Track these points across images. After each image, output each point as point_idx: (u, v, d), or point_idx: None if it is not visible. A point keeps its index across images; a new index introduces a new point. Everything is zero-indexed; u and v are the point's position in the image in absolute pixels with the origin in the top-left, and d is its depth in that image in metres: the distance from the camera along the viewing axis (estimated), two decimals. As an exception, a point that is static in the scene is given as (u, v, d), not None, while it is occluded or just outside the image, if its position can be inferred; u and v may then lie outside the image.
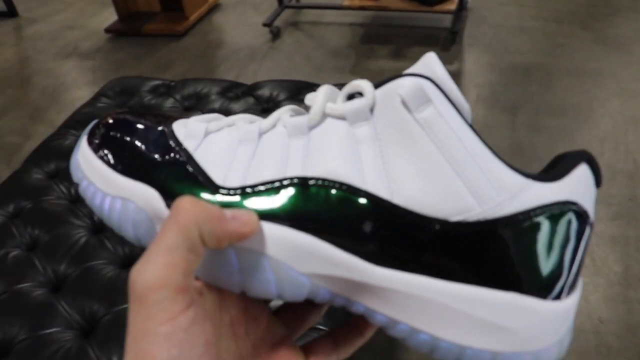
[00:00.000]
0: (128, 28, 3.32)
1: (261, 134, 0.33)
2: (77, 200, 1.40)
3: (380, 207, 0.28)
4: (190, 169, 0.31)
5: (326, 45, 2.94)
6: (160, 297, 0.24)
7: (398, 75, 0.30)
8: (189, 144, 0.32)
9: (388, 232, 0.28)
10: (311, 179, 0.29)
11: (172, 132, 0.33)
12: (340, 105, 0.31)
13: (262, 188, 0.30)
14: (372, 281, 0.29)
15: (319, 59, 2.82)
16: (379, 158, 0.29)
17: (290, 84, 1.75)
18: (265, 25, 3.06)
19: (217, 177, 0.31)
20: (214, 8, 3.51)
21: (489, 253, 0.28)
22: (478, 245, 0.28)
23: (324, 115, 0.32)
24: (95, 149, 0.32)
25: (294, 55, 2.90)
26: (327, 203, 0.29)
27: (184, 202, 0.26)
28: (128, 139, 0.32)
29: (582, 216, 0.30)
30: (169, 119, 0.34)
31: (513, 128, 2.23)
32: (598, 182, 0.31)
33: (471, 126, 0.29)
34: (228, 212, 0.28)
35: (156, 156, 0.31)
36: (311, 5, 3.24)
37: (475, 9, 3.11)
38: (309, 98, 0.33)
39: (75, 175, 0.33)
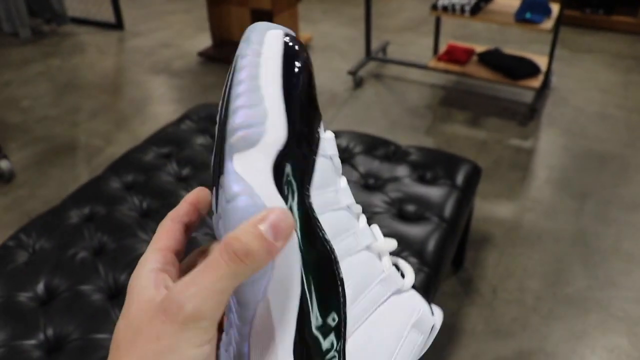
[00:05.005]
0: (220, 54, 3.49)
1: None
2: (146, 215, 1.48)
3: None
4: None
5: (405, 102, 3.00)
6: (201, 325, 0.27)
7: None
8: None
9: None
10: None
11: None
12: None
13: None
14: None
15: (396, 115, 2.87)
16: None
17: (369, 138, 1.80)
18: (350, 73, 3.15)
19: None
20: (303, 48, 3.63)
21: None
22: None
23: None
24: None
25: (373, 106, 2.97)
26: None
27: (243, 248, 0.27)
28: None
29: None
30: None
31: (579, 215, 2.19)
32: None
33: None
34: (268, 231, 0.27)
35: None
36: (397, 60, 3.32)
37: (558, 89, 3.10)
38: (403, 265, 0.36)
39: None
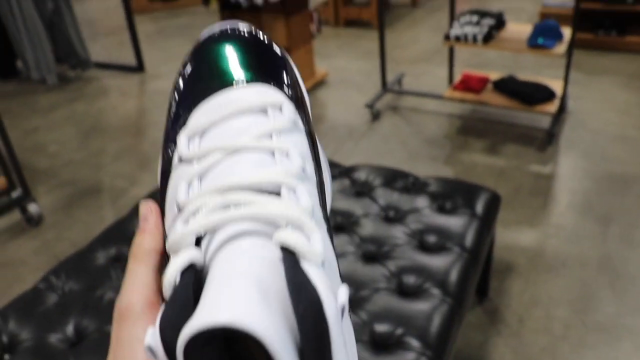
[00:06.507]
0: (238, 93, 3.56)
1: None
2: (171, 255, 1.51)
3: None
4: None
5: (422, 133, 3.02)
6: (137, 310, 0.29)
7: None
8: None
9: None
10: None
11: None
12: None
13: None
14: None
15: (414, 146, 2.89)
16: None
17: (387, 171, 1.82)
18: (366, 106, 3.19)
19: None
20: (321, 83, 3.70)
21: None
22: None
23: None
24: None
25: (391, 138, 2.99)
26: None
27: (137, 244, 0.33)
28: None
29: None
30: None
31: (604, 239, 2.17)
32: None
33: None
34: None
35: None
36: (413, 92, 3.36)
37: (575, 112, 3.10)
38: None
39: None
